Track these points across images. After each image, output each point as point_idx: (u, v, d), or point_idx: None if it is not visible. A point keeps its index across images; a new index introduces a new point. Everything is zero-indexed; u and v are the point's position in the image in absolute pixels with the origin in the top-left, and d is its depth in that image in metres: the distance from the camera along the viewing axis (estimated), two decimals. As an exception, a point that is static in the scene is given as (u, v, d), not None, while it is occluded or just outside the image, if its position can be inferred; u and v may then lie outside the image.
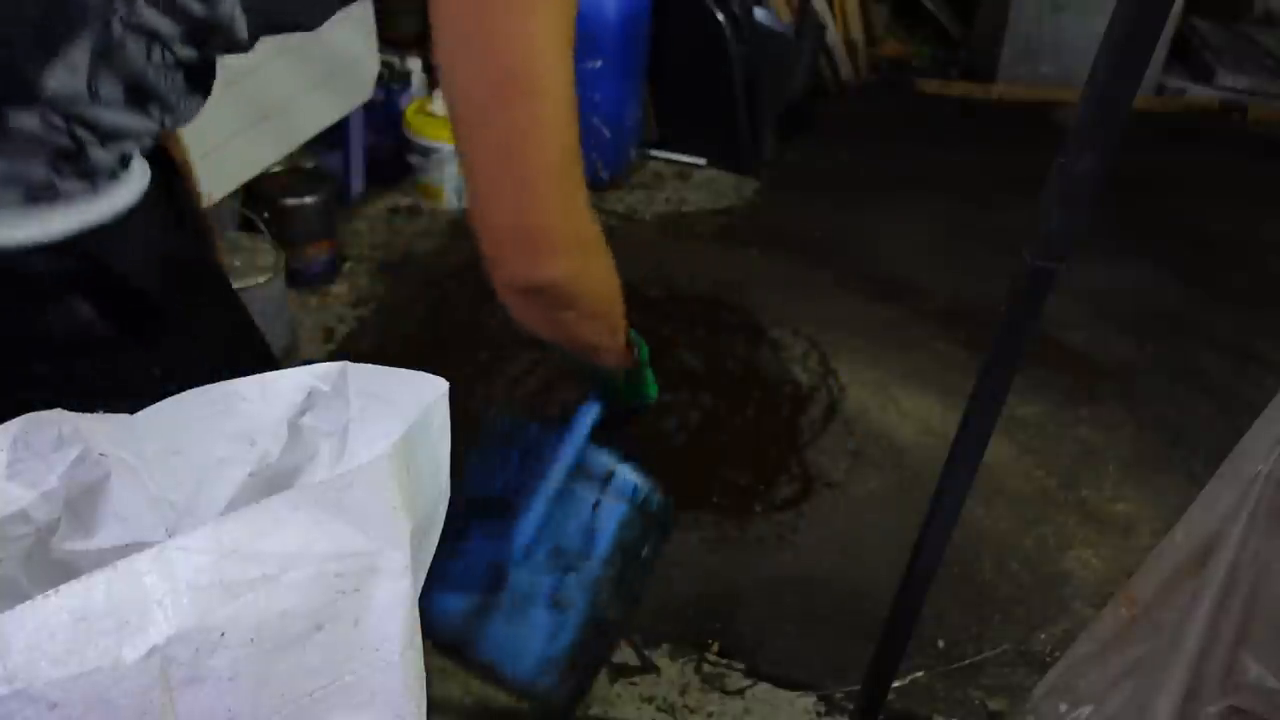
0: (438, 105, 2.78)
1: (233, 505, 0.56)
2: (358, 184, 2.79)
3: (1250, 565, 0.86)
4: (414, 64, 2.97)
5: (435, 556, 0.92)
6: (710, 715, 1.52)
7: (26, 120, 0.67)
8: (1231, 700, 0.88)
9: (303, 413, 0.58)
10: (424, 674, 0.55)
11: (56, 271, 0.72)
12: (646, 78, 3.04)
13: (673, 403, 2.16)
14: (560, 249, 0.80)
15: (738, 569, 1.78)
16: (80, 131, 0.69)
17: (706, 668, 1.59)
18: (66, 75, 0.67)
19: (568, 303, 0.84)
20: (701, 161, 3.21)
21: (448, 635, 1.01)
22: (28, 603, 0.43)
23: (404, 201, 2.85)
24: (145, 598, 0.45)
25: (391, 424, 0.55)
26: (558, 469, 1.02)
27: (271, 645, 0.48)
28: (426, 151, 2.77)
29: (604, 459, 1.06)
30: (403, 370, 0.59)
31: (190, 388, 0.76)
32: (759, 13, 3.10)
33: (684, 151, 3.22)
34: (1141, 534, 1.93)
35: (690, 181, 3.14)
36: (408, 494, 0.53)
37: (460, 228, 2.77)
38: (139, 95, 0.71)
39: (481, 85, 0.73)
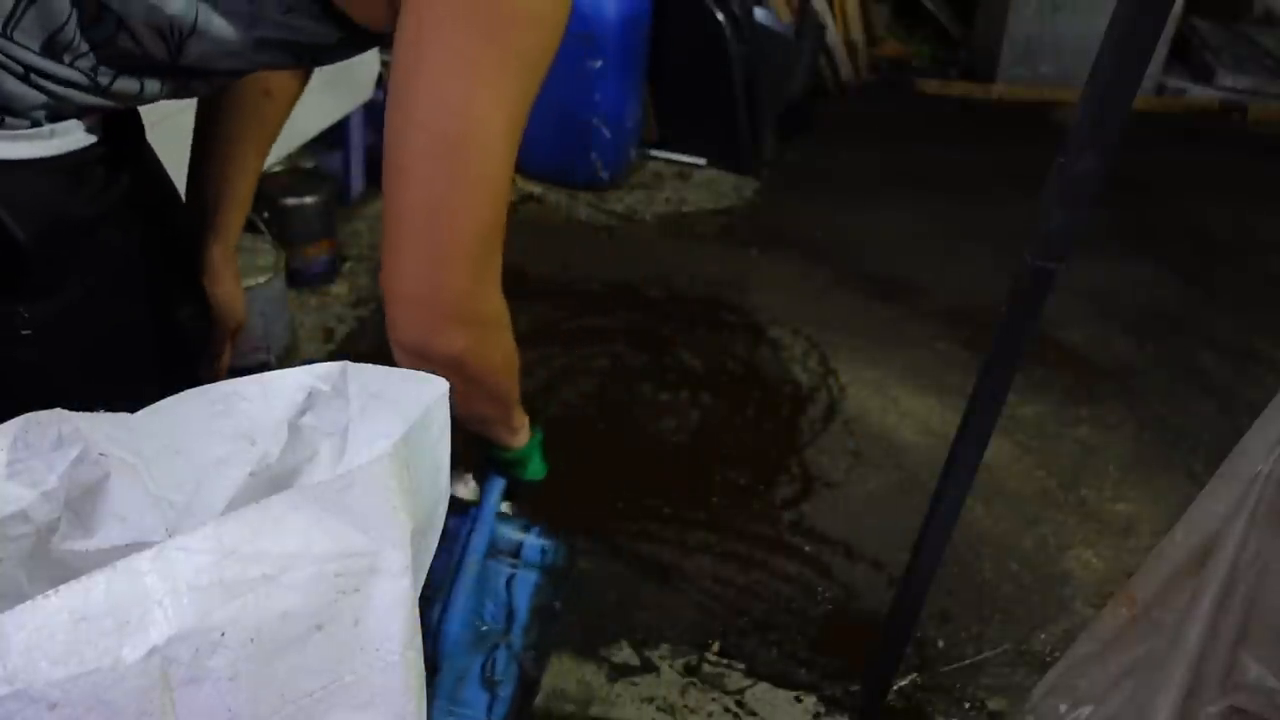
0: (438, 105, 2.78)
1: (233, 505, 0.56)
2: (358, 184, 2.79)
3: (1250, 565, 0.86)
4: (414, 64, 2.96)
5: None
6: (710, 715, 1.52)
7: None
8: (1231, 700, 0.88)
9: (303, 413, 0.58)
10: (424, 674, 0.55)
11: None
12: (646, 78, 3.04)
13: (673, 403, 2.16)
14: (460, 323, 0.80)
15: (737, 569, 1.78)
16: (4, 59, 0.70)
17: (706, 668, 1.59)
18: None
19: (460, 375, 0.80)
20: (701, 161, 3.21)
21: None
22: (28, 603, 0.43)
23: (404, 201, 2.85)
24: (145, 598, 0.45)
25: (392, 424, 0.55)
26: (475, 551, 1.02)
27: (271, 645, 0.48)
28: (426, 151, 2.77)
29: (511, 532, 1.08)
30: (403, 370, 0.59)
31: (59, 353, 0.79)
32: (759, 13, 3.10)
33: (684, 151, 3.22)
34: (1141, 534, 1.93)
35: (690, 181, 3.14)
36: (408, 494, 0.53)
37: (460, 228, 2.77)
38: (56, 48, 0.72)
39: (415, 141, 0.72)
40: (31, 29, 0.71)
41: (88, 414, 0.54)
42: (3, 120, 0.74)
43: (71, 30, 0.72)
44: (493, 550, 1.06)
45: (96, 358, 0.86)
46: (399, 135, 0.73)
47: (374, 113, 2.78)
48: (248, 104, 1.08)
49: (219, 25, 0.73)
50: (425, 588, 0.95)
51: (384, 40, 0.78)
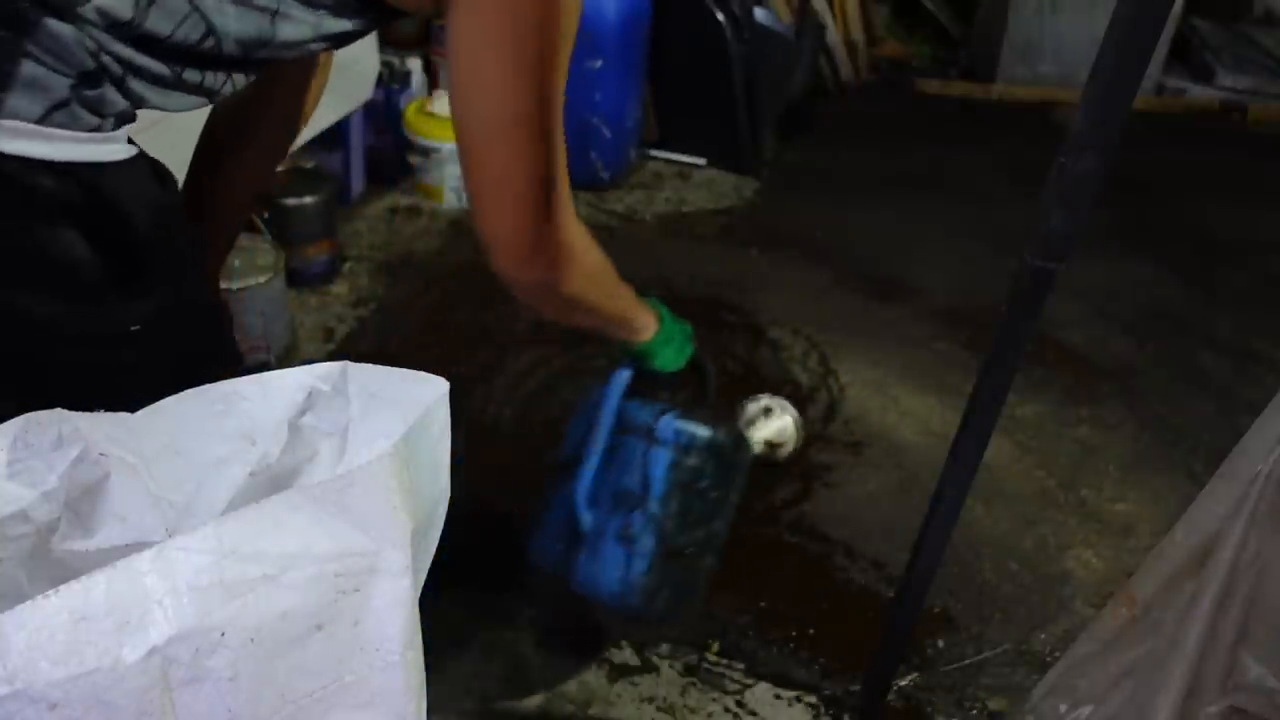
0: (438, 105, 2.78)
1: (233, 505, 0.56)
2: (358, 184, 2.79)
3: (1250, 565, 0.86)
4: (414, 64, 2.97)
5: (540, 511, 1.23)
6: (710, 715, 1.53)
7: (64, 29, 0.73)
8: (1231, 700, 0.88)
9: (303, 412, 0.58)
10: (424, 674, 0.55)
11: (59, 194, 0.76)
12: (646, 78, 3.04)
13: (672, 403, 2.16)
14: (544, 253, 0.96)
15: (738, 569, 1.78)
16: (106, 59, 0.76)
17: (706, 668, 1.59)
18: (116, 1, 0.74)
19: (567, 302, 1.02)
20: (701, 161, 3.21)
21: (552, 574, 1.29)
22: (28, 603, 0.43)
23: (404, 201, 2.85)
24: (145, 598, 0.45)
25: (392, 424, 0.55)
26: (600, 430, 1.23)
27: (272, 645, 0.48)
28: (426, 151, 2.77)
29: (644, 414, 1.25)
30: (403, 370, 0.59)
31: (157, 352, 0.84)
32: (759, 13, 3.10)
33: (684, 151, 3.22)
34: (1141, 534, 1.93)
35: (690, 181, 3.14)
36: (408, 494, 0.53)
37: (460, 227, 2.78)
38: (173, 53, 0.79)
39: (475, 128, 0.91)
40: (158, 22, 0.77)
41: (88, 414, 0.54)
42: (99, 126, 0.78)
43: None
44: (630, 429, 1.24)
45: (185, 359, 0.90)
46: (461, 122, 0.91)
47: (374, 113, 2.79)
48: (258, 131, 1.14)
49: (287, 32, 0.83)
50: (576, 454, 1.25)
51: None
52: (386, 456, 0.52)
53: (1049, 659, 1.64)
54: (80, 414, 0.54)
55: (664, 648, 1.62)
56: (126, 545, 0.53)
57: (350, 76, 2.48)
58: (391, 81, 2.86)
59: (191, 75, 0.81)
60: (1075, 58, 3.76)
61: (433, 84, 3.04)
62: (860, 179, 3.25)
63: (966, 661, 1.65)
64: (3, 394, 0.78)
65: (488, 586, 1.70)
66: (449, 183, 2.81)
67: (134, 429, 0.56)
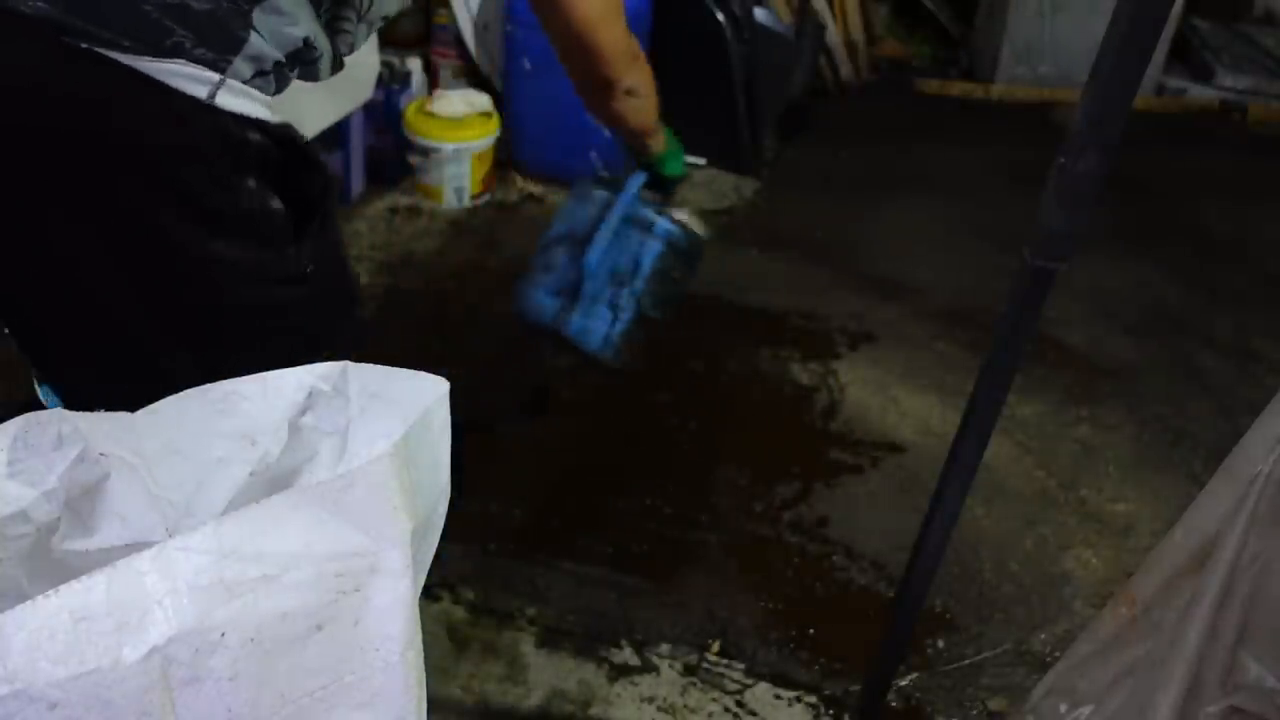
0: (438, 105, 2.78)
1: (233, 505, 0.56)
2: (358, 184, 2.79)
3: (1250, 565, 0.86)
4: (414, 64, 2.97)
5: (538, 272, 1.63)
6: (710, 715, 1.53)
7: (284, 3, 0.87)
8: (1231, 700, 0.88)
9: (303, 412, 0.58)
10: (424, 674, 0.55)
11: (262, 149, 0.87)
12: (647, 77, 3.04)
13: (673, 403, 2.16)
14: (631, 66, 1.31)
15: (738, 569, 1.78)
16: (309, 36, 0.90)
17: (706, 668, 1.59)
18: None
19: (638, 92, 1.35)
20: (701, 161, 3.21)
21: (544, 322, 1.59)
22: (28, 603, 0.43)
23: (404, 201, 2.85)
24: (145, 598, 0.45)
25: (392, 424, 0.55)
26: (615, 216, 1.53)
27: (272, 645, 0.48)
28: (426, 151, 2.77)
29: (648, 213, 1.56)
30: (403, 370, 0.59)
31: (322, 290, 0.97)
32: (759, 13, 3.10)
33: (684, 151, 3.22)
34: (1141, 534, 1.93)
35: (690, 181, 3.14)
36: (408, 494, 0.53)
37: (460, 227, 2.77)
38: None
39: (565, 33, 1.22)
40: None
41: (88, 414, 0.54)
42: (274, 92, 0.91)
43: None
44: (635, 222, 1.54)
45: (340, 295, 1.05)
46: (550, 28, 1.22)
47: (374, 113, 2.79)
48: None
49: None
50: (585, 234, 1.57)
51: None
52: (386, 456, 0.52)
53: (1049, 659, 1.64)
54: (80, 414, 0.54)
55: (664, 648, 1.62)
56: (126, 545, 0.53)
57: (350, 76, 2.47)
58: (391, 81, 2.86)
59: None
60: (1075, 58, 3.76)
61: (433, 84, 3.04)
62: (860, 179, 3.25)
63: (966, 661, 1.65)
64: (190, 327, 0.90)
65: (488, 586, 1.70)
66: (449, 183, 2.81)
67: (134, 429, 0.56)
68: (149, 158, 0.83)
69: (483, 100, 2.84)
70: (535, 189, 2.97)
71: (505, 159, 2.97)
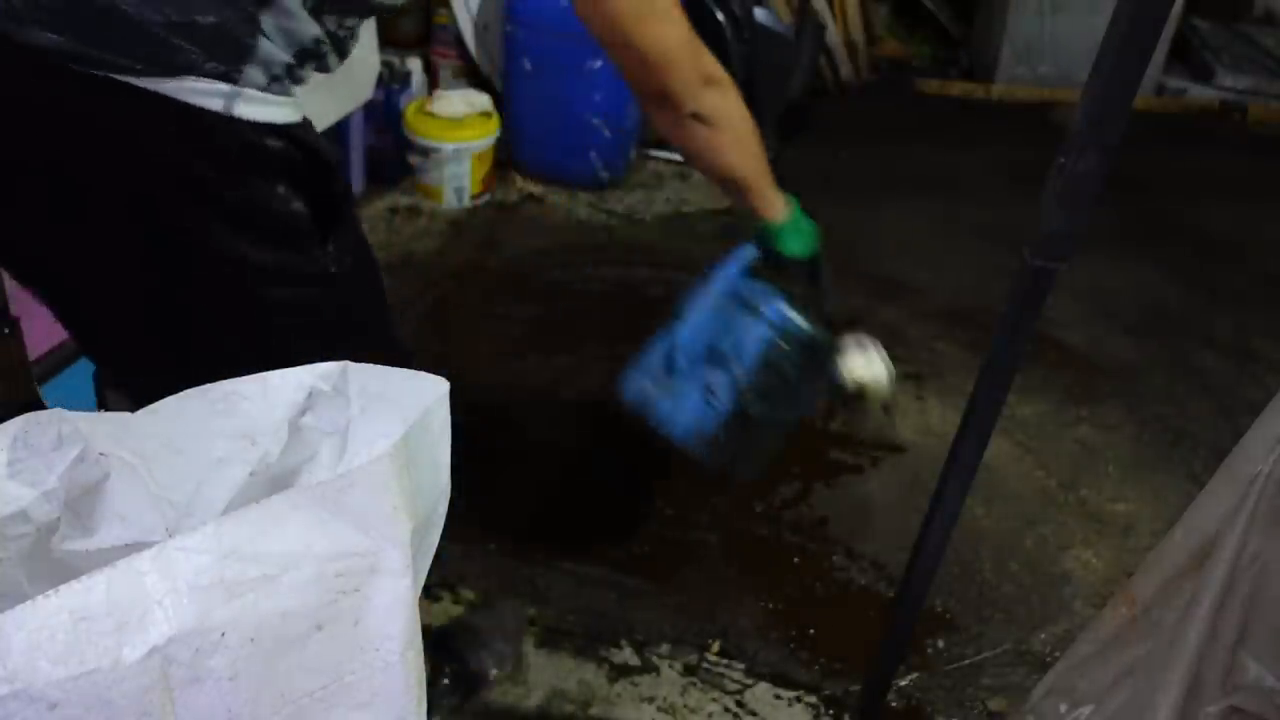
0: (438, 105, 2.78)
1: (233, 505, 0.56)
2: (358, 184, 2.79)
3: (1250, 565, 0.86)
4: (414, 64, 2.97)
5: (642, 354, 1.37)
6: (710, 715, 1.53)
7: (293, 6, 0.86)
8: (1231, 700, 0.88)
9: (303, 412, 0.58)
10: (424, 674, 0.55)
11: (283, 154, 0.88)
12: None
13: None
14: (699, 87, 1.15)
15: (738, 569, 1.78)
16: (320, 36, 0.90)
17: (706, 668, 1.59)
18: None
19: (713, 122, 1.17)
20: (701, 161, 3.20)
21: (635, 405, 1.40)
22: (28, 603, 0.43)
23: (404, 201, 2.85)
24: (145, 598, 0.45)
25: (392, 424, 0.55)
26: (713, 288, 1.37)
27: (272, 645, 0.48)
28: (426, 151, 2.77)
29: (756, 292, 1.35)
30: (403, 370, 0.59)
31: (351, 289, 0.98)
32: (759, 13, 3.10)
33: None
34: (1141, 534, 1.93)
35: (690, 181, 3.14)
36: (408, 494, 0.53)
37: (460, 227, 2.77)
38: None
39: (618, 27, 1.10)
40: None
41: (88, 414, 0.54)
42: (290, 91, 0.91)
43: None
44: (741, 301, 1.36)
45: (372, 296, 1.07)
46: (600, 23, 1.11)
47: (374, 113, 2.79)
48: None
49: None
50: (675, 314, 1.38)
51: None
52: (386, 456, 0.52)
53: (1049, 659, 1.64)
54: (80, 414, 0.54)
55: (664, 648, 1.62)
56: (126, 545, 0.53)
57: (350, 76, 2.48)
58: (391, 81, 2.86)
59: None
60: (1075, 58, 3.76)
61: (433, 84, 3.04)
62: (860, 179, 3.25)
63: (966, 661, 1.65)
64: (227, 328, 0.93)
65: (488, 586, 1.70)
66: (449, 183, 2.81)
67: (134, 429, 0.55)
68: (178, 175, 0.86)
69: (483, 100, 2.84)
70: (535, 189, 2.97)
71: (505, 159, 2.97)
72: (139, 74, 0.81)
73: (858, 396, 1.78)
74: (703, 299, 1.37)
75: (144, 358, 0.97)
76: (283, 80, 0.88)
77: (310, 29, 0.88)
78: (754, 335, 1.33)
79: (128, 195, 0.86)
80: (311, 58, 0.90)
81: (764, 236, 1.36)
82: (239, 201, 0.88)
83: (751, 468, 1.51)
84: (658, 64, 1.11)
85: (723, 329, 1.35)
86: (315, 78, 0.94)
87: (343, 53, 0.96)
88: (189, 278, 0.90)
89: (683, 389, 1.36)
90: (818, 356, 1.38)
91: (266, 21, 0.85)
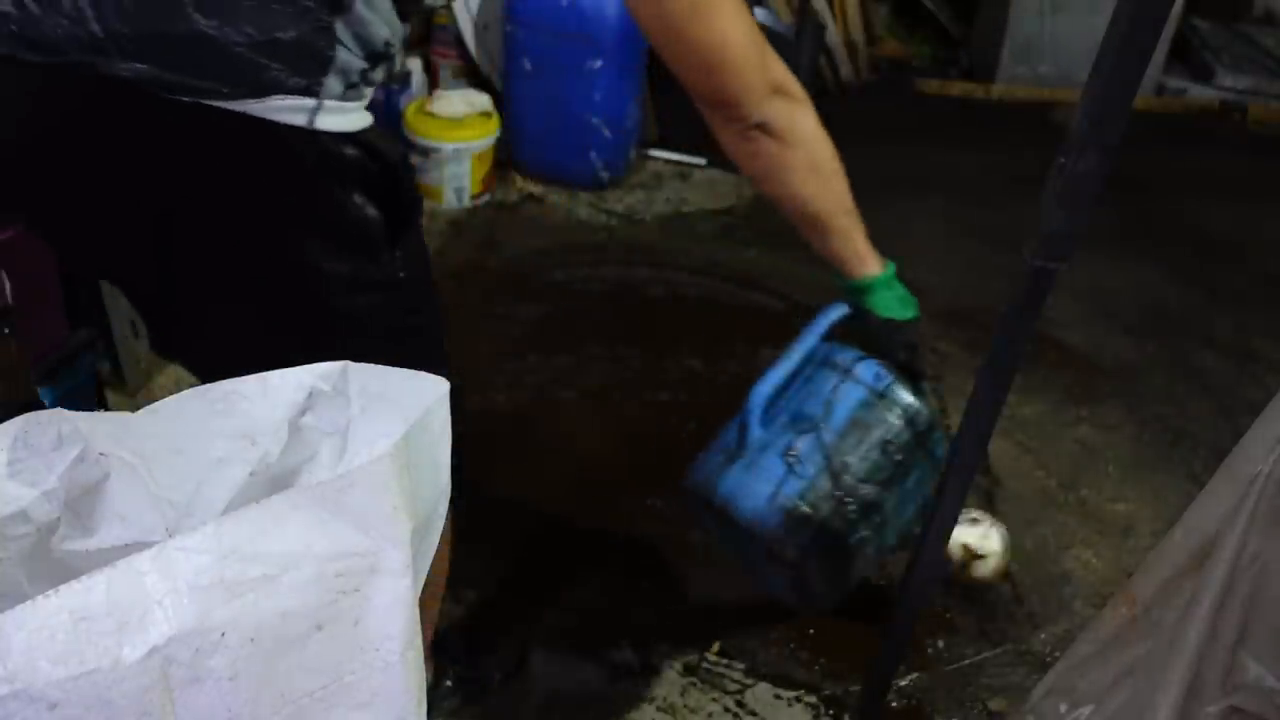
0: (438, 105, 2.78)
1: (233, 505, 0.56)
2: (358, 184, 2.79)
3: (1250, 565, 0.86)
4: (414, 64, 2.97)
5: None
6: (710, 715, 1.53)
7: (366, 13, 0.85)
8: (1231, 700, 0.88)
9: (303, 412, 0.58)
10: (424, 674, 0.55)
11: (358, 162, 0.88)
12: (646, 78, 3.04)
13: (673, 403, 2.16)
14: (765, 95, 1.01)
15: (737, 568, 1.78)
16: (389, 37, 0.89)
17: (706, 668, 1.59)
18: None
19: (780, 136, 1.03)
20: (701, 161, 3.21)
21: (699, 488, 1.22)
22: (28, 603, 0.43)
23: (404, 201, 2.85)
24: (145, 598, 0.45)
25: (392, 424, 0.55)
26: (796, 349, 1.20)
27: (272, 645, 0.48)
28: (426, 151, 2.77)
29: (848, 355, 1.21)
30: (403, 370, 0.59)
31: (415, 293, 0.99)
32: (759, 13, 3.10)
33: (684, 151, 3.22)
34: (1141, 534, 1.93)
35: (690, 181, 3.14)
36: (408, 494, 0.53)
37: (460, 227, 2.77)
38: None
39: (676, 15, 0.95)
40: None
41: (88, 414, 0.54)
42: (363, 96, 0.91)
43: None
44: (830, 364, 1.20)
45: (431, 299, 1.05)
46: (655, 18, 0.96)
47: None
48: None
49: None
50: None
51: None
52: (386, 456, 0.52)
53: (1049, 659, 1.64)
54: (80, 414, 0.54)
55: (664, 648, 1.62)
56: (126, 545, 0.53)
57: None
58: (391, 81, 2.86)
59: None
60: (1075, 58, 3.76)
61: (433, 84, 3.04)
62: (860, 179, 3.22)
63: (966, 661, 1.65)
64: (293, 331, 0.93)
65: (488, 586, 1.70)
66: (449, 183, 2.81)
67: (134, 429, 0.55)
68: (266, 194, 0.87)
69: (483, 100, 2.84)
70: (535, 189, 2.97)
71: (505, 159, 2.97)
72: (226, 97, 0.81)
73: (966, 566, 1.61)
74: (783, 359, 1.18)
75: (209, 350, 0.99)
76: (358, 86, 0.88)
77: (380, 31, 0.88)
78: (846, 395, 1.17)
79: (219, 217, 0.88)
80: (382, 60, 0.90)
81: (852, 293, 1.20)
82: (320, 213, 0.89)
83: (836, 583, 1.27)
84: (714, 65, 0.98)
85: (809, 392, 1.18)
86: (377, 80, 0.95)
87: (401, 51, 0.96)
88: (271, 289, 0.92)
89: (758, 457, 1.16)
90: (920, 431, 1.20)
91: (341, 29, 0.85)
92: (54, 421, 0.53)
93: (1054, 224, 0.89)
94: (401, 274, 0.96)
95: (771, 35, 3.34)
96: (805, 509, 1.13)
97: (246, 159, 0.85)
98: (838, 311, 1.19)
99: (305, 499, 0.49)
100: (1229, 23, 4.22)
